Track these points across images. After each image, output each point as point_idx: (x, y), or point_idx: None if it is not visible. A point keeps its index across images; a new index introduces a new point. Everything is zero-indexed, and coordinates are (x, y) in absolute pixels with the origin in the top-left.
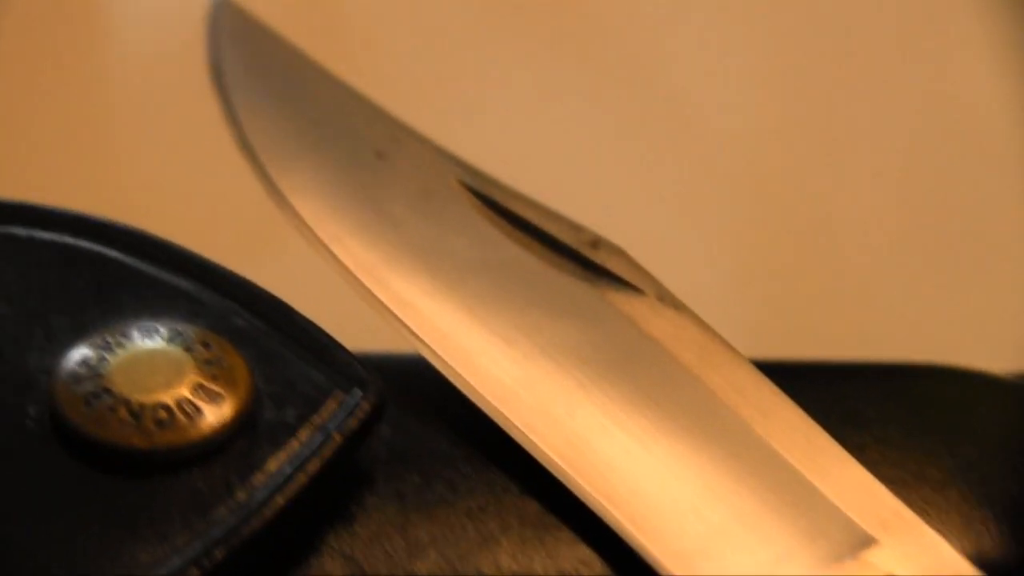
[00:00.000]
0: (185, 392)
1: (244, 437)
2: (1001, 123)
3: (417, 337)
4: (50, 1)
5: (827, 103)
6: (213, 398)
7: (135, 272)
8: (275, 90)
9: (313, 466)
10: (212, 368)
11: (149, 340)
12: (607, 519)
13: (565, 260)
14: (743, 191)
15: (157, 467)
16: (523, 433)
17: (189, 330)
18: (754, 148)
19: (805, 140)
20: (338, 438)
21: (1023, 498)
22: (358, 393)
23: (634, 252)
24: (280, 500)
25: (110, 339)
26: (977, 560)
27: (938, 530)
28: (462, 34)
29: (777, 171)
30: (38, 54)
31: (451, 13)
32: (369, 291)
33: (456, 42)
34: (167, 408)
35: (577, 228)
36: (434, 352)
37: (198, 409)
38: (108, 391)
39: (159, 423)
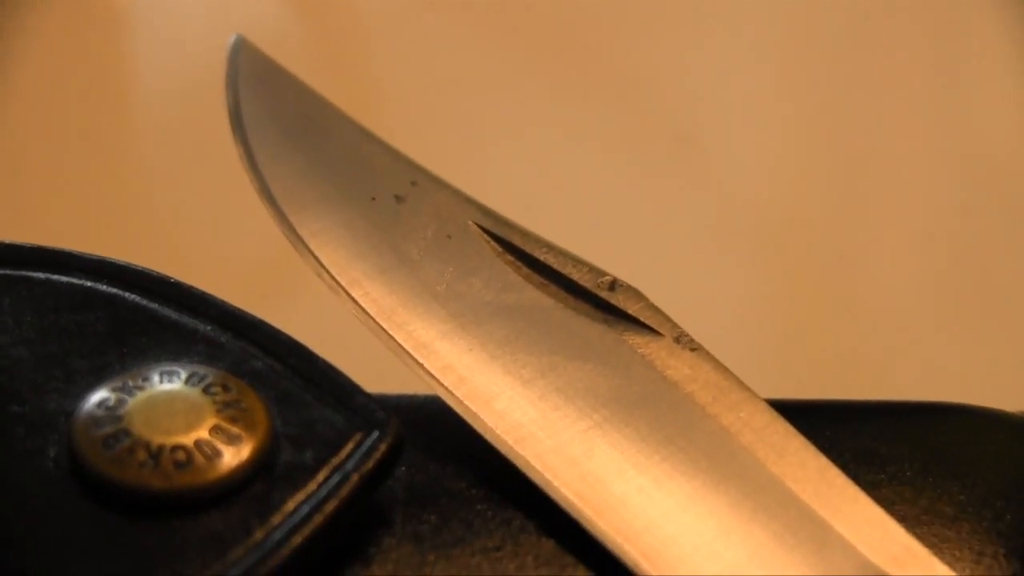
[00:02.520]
0: (204, 434)
1: (263, 478)
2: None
3: (435, 379)
4: (72, 44)
5: (848, 146)
6: (232, 440)
7: (154, 315)
8: (294, 134)
9: (331, 507)
10: (231, 410)
11: (168, 383)
12: (623, 558)
13: (582, 302)
14: (758, 232)
15: (176, 508)
16: (540, 473)
17: (208, 373)
18: (768, 188)
19: (822, 180)
20: (356, 479)
21: None
22: (376, 435)
23: (651, 293)
24: (298, 540)
25: (129, 382)
26: None
27: (951, 566)
28: (479, 78)
29: (792, 211)
30: (57, 98)
31: (469, 57)
32: (387, 334)
33: (474, 85)
34: (186, 450)
35: (595, 270)
36: (451, 393)
37: (217, 451)
38: (127, 433)
39: (178, 465)
